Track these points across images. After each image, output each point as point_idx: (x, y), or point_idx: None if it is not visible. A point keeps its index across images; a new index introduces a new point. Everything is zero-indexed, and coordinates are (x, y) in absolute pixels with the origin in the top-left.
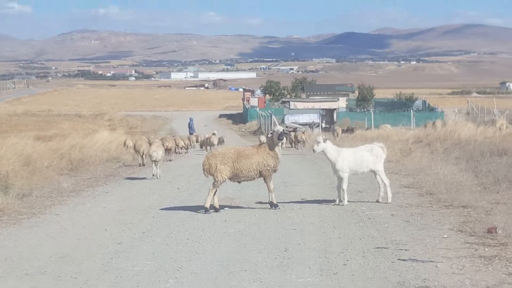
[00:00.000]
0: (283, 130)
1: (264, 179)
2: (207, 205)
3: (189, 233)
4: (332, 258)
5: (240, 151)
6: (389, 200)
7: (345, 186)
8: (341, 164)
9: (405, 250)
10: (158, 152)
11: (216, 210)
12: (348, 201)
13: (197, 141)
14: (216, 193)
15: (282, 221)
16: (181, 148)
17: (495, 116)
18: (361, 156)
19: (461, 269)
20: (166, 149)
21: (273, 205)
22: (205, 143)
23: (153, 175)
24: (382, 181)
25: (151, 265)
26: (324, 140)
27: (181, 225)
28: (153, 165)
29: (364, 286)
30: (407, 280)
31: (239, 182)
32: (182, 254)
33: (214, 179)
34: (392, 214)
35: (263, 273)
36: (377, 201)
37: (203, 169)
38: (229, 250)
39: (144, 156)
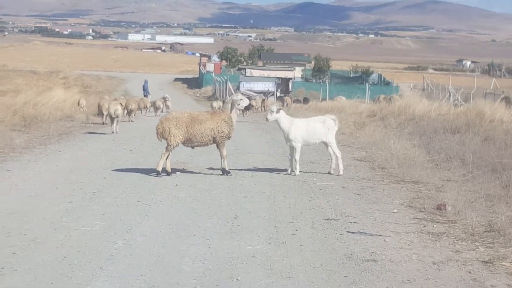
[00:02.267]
0: (249, 103)
1: (217, 145)
2: (159, 169)
3: (140, 195)
4: (281, 227)
5: (194, 116)
6: (341, 172)
7: (297, 156)
8: (294, 134)
9: (354, 223)
10: (118, 109)
11: (168, 174)
12: (299, 172)
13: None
14: (169, 157)
15: (233, 188)
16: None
17: (449, 93)
18: (314, 127)
19: (409, 244)
20: (129, 111)
21: (225, 172)
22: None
23: (113, 132)
24: (334, 153)
25: (101, 226)
26: (278, 110)
27: (132, 187)
28: (112, 122)
29: (312, 256)
30: (354, 252)
31: (192, 147)
32: (132, 216)
33: (167, 143)
34: (343, 187)
35: (212, 239)
36: (329, 173)
37: (157, 133)
38: (180, 214)
39: (106, 115)
